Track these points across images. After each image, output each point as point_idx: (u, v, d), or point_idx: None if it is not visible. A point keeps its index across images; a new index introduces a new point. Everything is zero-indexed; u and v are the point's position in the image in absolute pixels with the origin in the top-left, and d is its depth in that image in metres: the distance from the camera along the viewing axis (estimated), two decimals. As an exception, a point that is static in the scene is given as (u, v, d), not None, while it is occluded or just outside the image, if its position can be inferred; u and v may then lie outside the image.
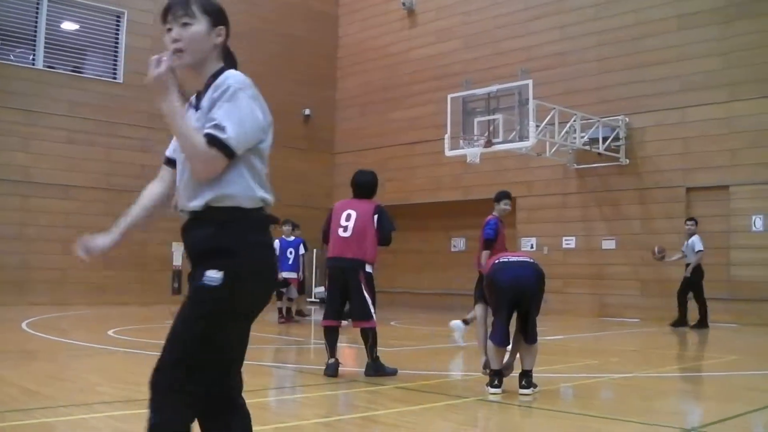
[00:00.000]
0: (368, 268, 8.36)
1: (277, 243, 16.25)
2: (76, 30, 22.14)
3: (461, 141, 18.13)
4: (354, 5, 27.46)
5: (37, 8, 21.20)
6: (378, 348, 8.32)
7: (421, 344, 12.67)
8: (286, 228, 16.93)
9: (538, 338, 7.32)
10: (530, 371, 7.21)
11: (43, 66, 21.29)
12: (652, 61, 19.76)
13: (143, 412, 2.60)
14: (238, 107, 2.92)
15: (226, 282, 2.92)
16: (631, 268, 19.86)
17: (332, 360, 8.31)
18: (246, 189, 3.02)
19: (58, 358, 9.70)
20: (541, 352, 7.59)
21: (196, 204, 3.05)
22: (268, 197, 3.13)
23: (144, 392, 2.95)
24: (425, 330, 15.72)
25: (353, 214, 8.39)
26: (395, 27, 25.90)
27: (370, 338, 8.31)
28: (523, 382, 7.17)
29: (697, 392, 8.64)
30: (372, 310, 8.35)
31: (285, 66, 25.73)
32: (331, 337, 8.44)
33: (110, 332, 12.71)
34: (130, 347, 10.80)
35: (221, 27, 3.25)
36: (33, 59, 21.28)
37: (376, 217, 8.39)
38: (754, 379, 9.68)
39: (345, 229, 8.34)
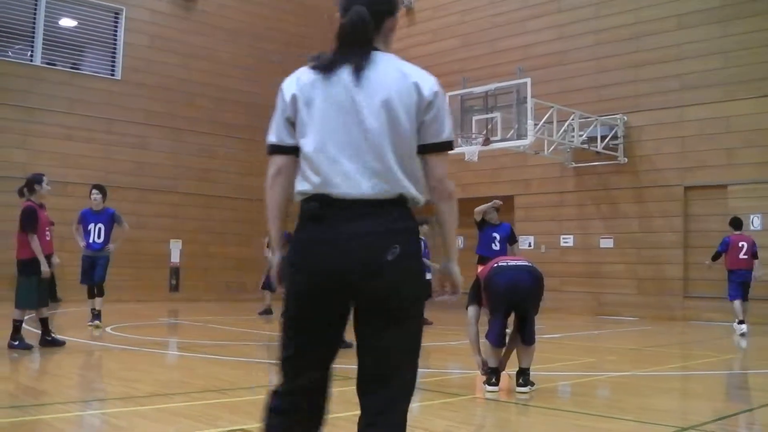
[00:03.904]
0: None
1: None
2: (75, 27, 22.11)
3: (459, 139, 18.09)
4: (352, 3, 27.38)
5: (36, 5, 21.15)
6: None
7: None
8: None
9: (536, 337, 7.33)
10: (527, 369, 7.21)
11: (42, 63, 21.25)
12: (649, 60, 19.75)
13: (138, 408, 2.60)
14: None
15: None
16: (628, 266, 19.86)
17: None
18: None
19: (54, 354, 9.69)
20: (538, 350, 7.59)
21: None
22: (302, 188, 2.94)
23: (139, 389, 2.94)
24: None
25: None
26: (393, 25, 25.80)
27: None
28: (521, 380, 7.17)
29: (693, 391, 8.63)
30: None
31: (285, 63, 25.68)
32: None
33: (107, 329, 12.70)
34: (126, 344, 10.79)
35: None
36: (31, 56, 21.25)
37: None
38: (750, 378, 9.69)
39: None
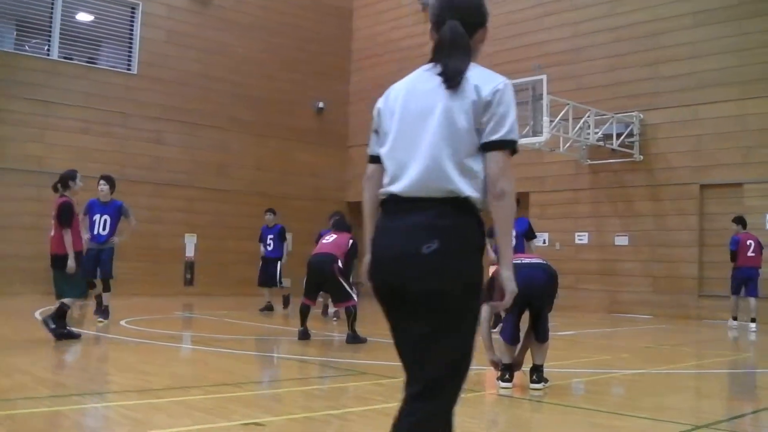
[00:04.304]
0: (339, 262, 11.29)
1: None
2: (91, 21, 22.19)
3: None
4: (368, -1, 27.45)
5: (53, -1, 21.29)
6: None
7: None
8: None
9: (550, 334, 7.33)
10: (541, 366, 7.22)
11: (59, 57, 21.35)
12: (666, 57, 19.67)
13: (154, 401, 2.62)
14: None
15: None
16: (643, 264, 19.80)
17: (302, 328, 11.14)
18: None
19: (70, 347, 9.75)
20: (552, 347, 7.59)
21: None
22: (381, 188, 3.15)
23: (154, 382, 2.96)
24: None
25: (335, 236, 11.92)
26: (409, 21, 25.84)
27: (351, 314, 11.01)
28: (534, 377, 7.18)
29: (708, 389, 8.62)
30: (350, 292, 11.21)
31: (299, 59, 25.75)
32: (305, 311, 11.24)
33: (122, 322, 12.76)
34: (141, 338, 10.84)
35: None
36: (48, 50, 21.34)
37: (350, 242, 11.91)
38: (764, 377, 9.66)
39: (328, 240, 11.85)
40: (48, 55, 21.25)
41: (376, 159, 3.23)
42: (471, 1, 3.19)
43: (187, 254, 22.83)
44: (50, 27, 21.28)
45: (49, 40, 21.30)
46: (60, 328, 10.10)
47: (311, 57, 26.15)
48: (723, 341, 14.06)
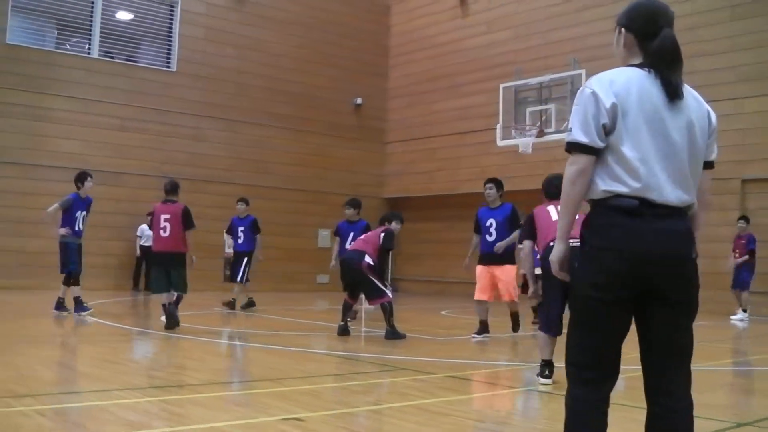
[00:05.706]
0: (368, 258, 10.98)
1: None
2: (131, 20, 22.41)
3: (513, 131, 18.02)
4: (406, -6, 27.42)
5: (93, -2, 21.52)
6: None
7: (471, 334, 12.62)
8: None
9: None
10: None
11: (99, 55, 21.58)
12: (705, 51, 19.44)
13: (193, 396, 2.63)
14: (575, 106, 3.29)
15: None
16: (683, 260, 19.58)
17: (342, 323, 11.13)
18: (593, 183, 3.24)
19: (111, 342, 9.86)
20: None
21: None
22: (614, 188, 3.18)
23: (194, 377, 2.98)
24: (475, 319, 15.66)
25: (369, 232, 12.04)
26: (447, 16, 25.79)
27: (387, 310, 10.88)
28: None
29: (749, 386, 8.52)
30: (382, 288, 11.00)
31: (337, 55, 25.79)
32: (346, 307, 11.31)
33: (162, 318, 12.85)
34: (180, 333, 10.93)
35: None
36: (88, 48, 21.57)
37: (382, 235, 11.34)
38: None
39: (361, 237, 11.89)
40: (88, 53, 21.50)
41: (595, 152, 3.19)
42: (672, 12, 3.48)
43: (225, 250, 22.95)
44: (90, 26, 21.52)
45: (89, 39, 21.53)
46: (175, 313, 11.32)
47: (349, 53, 26.18)
48: (762, 338, 13.89)
